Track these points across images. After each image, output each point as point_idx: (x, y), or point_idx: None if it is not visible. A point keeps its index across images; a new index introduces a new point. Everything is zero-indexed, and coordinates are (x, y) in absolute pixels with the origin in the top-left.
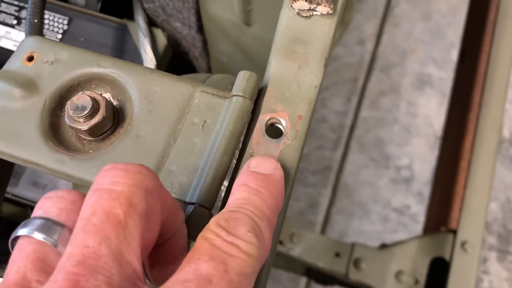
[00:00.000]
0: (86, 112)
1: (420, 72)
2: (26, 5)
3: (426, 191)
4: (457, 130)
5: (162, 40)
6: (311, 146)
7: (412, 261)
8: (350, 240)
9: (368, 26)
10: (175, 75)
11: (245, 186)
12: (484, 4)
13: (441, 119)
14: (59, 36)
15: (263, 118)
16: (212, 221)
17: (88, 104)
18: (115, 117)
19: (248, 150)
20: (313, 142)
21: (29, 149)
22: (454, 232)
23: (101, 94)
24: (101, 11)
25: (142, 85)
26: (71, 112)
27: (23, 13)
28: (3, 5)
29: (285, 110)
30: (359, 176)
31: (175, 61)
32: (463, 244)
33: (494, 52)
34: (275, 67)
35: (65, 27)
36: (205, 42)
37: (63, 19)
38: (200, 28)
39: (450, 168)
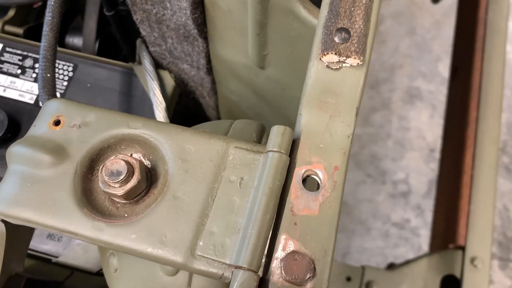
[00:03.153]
0: (121, 177)
1: (409, 86)
2: (29, 54)
3: (424, 203)
4: (456, 146)
5: (169, 81)
6: None
7: (424, 281)
8: (353, 259)
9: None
10: (206, 132)
11: None
12: (471, 21)
13: (434, 131)
14: (65, 83)
15: (299, 171)
16: None
17: (123, 168)
18: (148, 178)
19: (288, 205)
20: None
21: (65, 218)
22: (463, 248)
23: (131, 155)
24: (100, 53)
25: (176, 145)
26: (106, 178)
27: (27, 62)
28: (6, 55)
29: (321, 162)
30: (357, 193)
31: (181, 99)
32: (472, 260)
33: (486, 68)
34: (307, 118)
35: (71, 74)
36: (213, 82)
37: (68, 66)
38: (209, 70)
39: (452, 184)
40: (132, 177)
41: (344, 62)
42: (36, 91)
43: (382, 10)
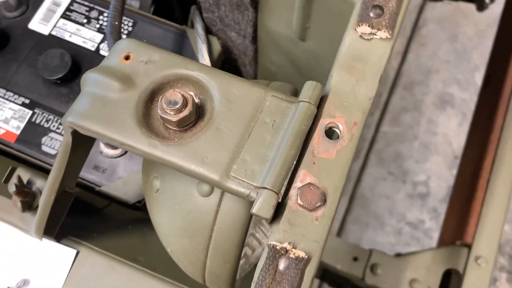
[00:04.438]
0: (177, 106)
1: (443, 91)
2: (95, 6)
3: (441, 207)
4: (477, 150)
5: (217, 47)
6: None
7: (427, 271)
8: None
9: (395, 43)
10: (249, 80)
11: None
12: (510, 31)
13: (460, 139)
14: (125, 36)
15: (323, 122)
16: None
17: (180, 100)
18: (197, 112)
19: (310, 148)
20: None
21: (126, 134)
22: (469, 246)
23: (186, 92)
24: (155, 14)
25: (223, 87)
26: (164, 105)
27: (93, 13)
28: (75, 5)
29: (343, 117)
30: (377, 188)
31: (223, 66)
32: (476, 258)
33: None
34: (336, 79)
35: (130, 29)
36: (256, 52)
37: (129, 21)
38: (254, 39)
39: (468, 186)
40: (185, 108)
41: (375, 34)
42: (98, 40)
43: (426, 13)
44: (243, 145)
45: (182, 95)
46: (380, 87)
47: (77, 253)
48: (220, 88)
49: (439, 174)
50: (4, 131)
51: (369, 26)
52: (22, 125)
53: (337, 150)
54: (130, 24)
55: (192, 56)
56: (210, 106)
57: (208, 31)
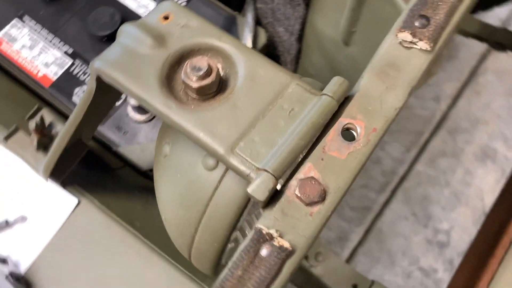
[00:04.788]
0: (201, 72)
1: (487, 145)
2: None
3: (458, 261)
4: (507, 209)
5: (262, 39)
6: (358, 183)
7: None
8: None
9: (448, 86)
10: (278, 65)
11: None
12: None
13: (494, 196)
14: None
15: (342, 121)
16: None
17: (205, 67)
18: (220, 85)
19: (322, 143)
20: (361, 180)
21: (146, 89)
22: None
23: (214, 62)
24: None
25: (250, 66)
26: (188, 70)
27: None
28: None
29: (363, 120)
30: (396, 226)
31: None
32: None
33: None
34: (366, 82)
35: (184, 3)
36: (299, 51)
37: None
38: (300, 38)
39: (490, 242)
40: (208, 77)
41: (415, 44)
42: (151, 7)
43: (488, 63)
44: (255, 125)
45: (208, 64)
46: (424, 125)
47: (79, 202)
48: (247, 65)
49: (464, 227)
50: (42, 74)
51: (411, 34)
52: (60, 72)
53: (350, 152)
54: (185, 0)
55: None
56: (233, 83)
57: (258, 22)
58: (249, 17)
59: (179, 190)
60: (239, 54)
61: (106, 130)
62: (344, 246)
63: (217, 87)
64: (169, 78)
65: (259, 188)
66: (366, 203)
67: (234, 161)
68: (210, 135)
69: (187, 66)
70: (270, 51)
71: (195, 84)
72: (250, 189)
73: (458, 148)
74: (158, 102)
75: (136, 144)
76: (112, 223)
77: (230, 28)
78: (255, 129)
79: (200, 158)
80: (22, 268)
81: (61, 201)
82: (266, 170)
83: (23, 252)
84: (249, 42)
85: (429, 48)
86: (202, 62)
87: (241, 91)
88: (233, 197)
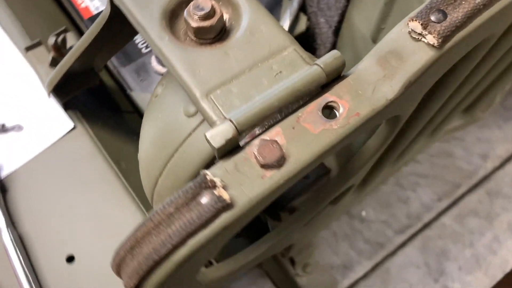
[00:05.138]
0: (202, 12)
1: None
2: None
3: None
4: None
5: (302, 26)
6: (379, 218)
7: None
8: None
9: (500, 147)
10: (283, 29)
11: None
12: None
13: None
14: None
15: (327, 97)
16: None
17: (208, 8)
18: (220, 33)
19: (298, 113)
20: (383, 215)
21: (146, 16)
22: None
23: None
24: None
25: (254, 20)
26: (191, 8)
27: None
28: None
29: (349, 102)
30: (405, 271)
31: None
32: None
33: None
34: (364, 66)
35: None
36: (334, 46)
37: None
38: (337, 31)
39: None
40: (209, 19)
41: (424, 37)
42: None
43: None
44: (238, 77)
45: (213, 6)
46: (463, 179)
47: (74, 127)
48: (251, 19)
49: None
50: (85, 5)
51: (422, 25)
52: (101, 8)
53: (324, 128)
54: None
55: None
56: (234, 33)
57: (303, 9)
58: (295, 2)
59: (155, 130)
60: (248, 7)
61: (125, 72)
62: (347, 275)
63: (216, 34)
64: (173, 14)
65: (216, 134)
66: (382, 239)
67: (205, 106)
68: (191, 76)
69: (191, 4)
70: (309, 43)
71: (194, 24)
72: (208, 134)
73: (493, 212)
74: (153, 31)
75: (149, 93)
76: (99, 156)
77: (274, 7)
78: (237, 81)
79: (183, 104)
80: (3, 173)
81: (58, 122)
82: (230, 120)
83: (9, 159)
84: (286, 25)
85: (436, 44)
86: (207, 3)
87: (237, 42)
88: (202, 148)
